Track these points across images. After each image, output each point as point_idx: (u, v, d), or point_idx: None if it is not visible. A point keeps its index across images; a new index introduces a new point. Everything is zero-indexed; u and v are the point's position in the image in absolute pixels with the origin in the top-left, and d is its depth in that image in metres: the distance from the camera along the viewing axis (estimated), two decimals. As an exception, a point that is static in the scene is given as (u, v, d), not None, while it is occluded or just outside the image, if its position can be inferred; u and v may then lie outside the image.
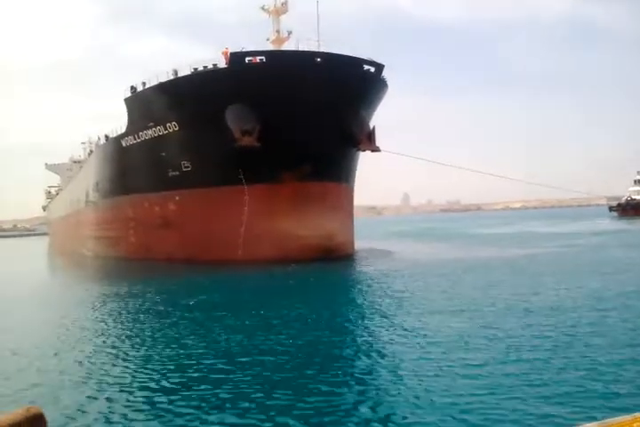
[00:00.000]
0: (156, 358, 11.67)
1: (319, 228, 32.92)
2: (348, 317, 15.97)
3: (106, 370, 10.89)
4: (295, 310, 16.82)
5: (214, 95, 31.18)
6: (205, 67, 32.81)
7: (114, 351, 12.48)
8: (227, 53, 31.81)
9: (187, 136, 33.86)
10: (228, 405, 8.63)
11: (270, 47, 36.74)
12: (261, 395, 8.95)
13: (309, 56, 31.74)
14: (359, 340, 12.83)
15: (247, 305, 18.30)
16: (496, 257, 31.25)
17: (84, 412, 8.54)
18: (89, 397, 9.26)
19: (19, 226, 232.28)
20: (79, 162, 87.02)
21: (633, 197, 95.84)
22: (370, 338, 12.88)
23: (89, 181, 51.83)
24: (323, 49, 32.67)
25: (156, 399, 9.03)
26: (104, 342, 13.61)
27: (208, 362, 11.10)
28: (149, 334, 14.32)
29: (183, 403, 8.77)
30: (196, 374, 10.34)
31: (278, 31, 37.78)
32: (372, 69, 33.90)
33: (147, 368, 10.91)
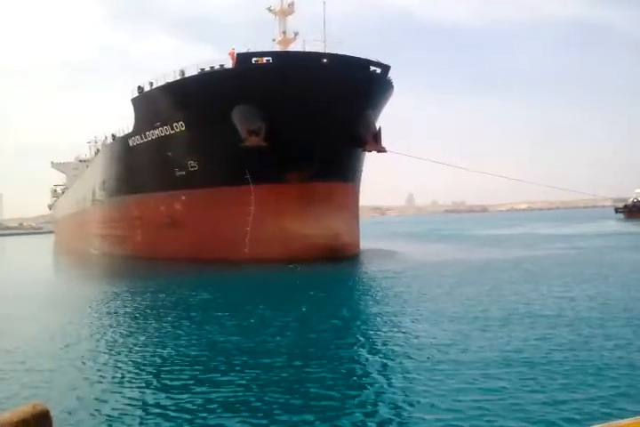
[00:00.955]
0: (163, 356, 11.79)
1: (325, 228, 33.03)
2: (352, 318, 15.99)
3: (112, 368, 11.04)
4: (300, 310, 16.91)
5: (221, 95, 31.34)
6: (212, 67, 32.95)
7: (121, 349, 12.62)
8: (233, 54, 31.97)
9: (193, 136, 34.04)
10: (234, 405, 8.72)
11: (277, 48, 36.90)
12: (262, 394, 9.04)
13: (316, 57, 31.85)
14: (363, 341, 12.80)
15: (252, 304, 18.40)
16: (503, 259, 31.27)
17: (89, 409, 8.66)
18: (94, 394, 9.37)
19: (24, 224, 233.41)
20: (85, 161, 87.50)
21: (639, 198, 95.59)
22: (374, 340, 12.88)
23: (96, 179, 52.10)
24: (329, 50, 32.86)
25: (162, 398, 9.12)
26: (111, 340, 13.76)
27: (210, 361, 11.21)
28: (155, 332, 14.45)
29: (189, 402, 8.87)
30: (199, 373, 10.45)
31: (285, 32, 37.91)
32: (379, 70, 33.99)
33: (153, 366, 11.03)
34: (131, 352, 12.30)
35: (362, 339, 13.00)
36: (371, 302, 18.65)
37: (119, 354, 12.19)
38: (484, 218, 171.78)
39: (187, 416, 8.25)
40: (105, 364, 11.39)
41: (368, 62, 33.47)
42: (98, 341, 13.77)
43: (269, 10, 38.11)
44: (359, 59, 33.02)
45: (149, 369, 10.85)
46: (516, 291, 18.94)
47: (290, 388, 9.36)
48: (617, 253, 32.94)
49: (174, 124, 34.67)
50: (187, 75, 33.70)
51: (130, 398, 9.19)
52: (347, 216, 36.14)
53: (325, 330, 13.90)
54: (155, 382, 9.99)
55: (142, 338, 13.80)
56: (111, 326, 15.64)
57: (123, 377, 10.39)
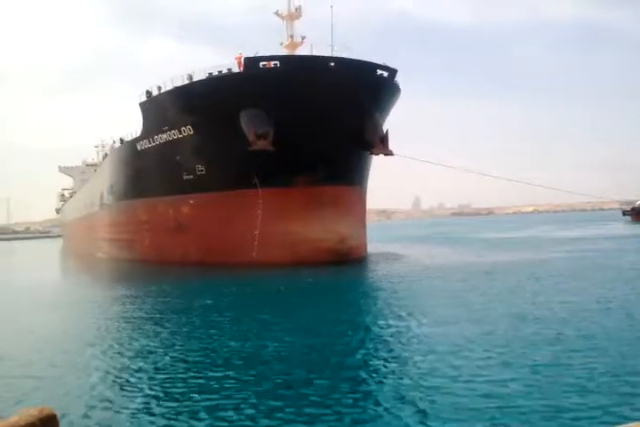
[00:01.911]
0: (169, 361, 11.82)
1: (332, 231, 33.11)
2: (357, 323, 15.87)
3: (119, 372, 11.11)
4: (306, 314, 16.99)
5: (229, 99, 31.49)
6: (220, 71, 33.14)
7: (127, 354, 12.69)
8: (240, 59, 32.12)
9: (201, 140, 34.20)
10: (241, 409, 8.73)
11: (284, 52, 37.08)
12: (265, 399, 9.09)
13: (323, 61, 31.96)
14: (367, 346, 12.79)
15: (259, 308, 18.50)
16: (511, 262, 31.20)
17: (95, 413, 8.72)
18: (101, 398, 9.44)
19: (31, 228, 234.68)
20: (93, 165, 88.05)
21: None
22: (379, 345, 12.88)
23: (104, 183, 52.39)
24: (336, 54, 32.98)
25: (169, 402, 9.17)
26: (118, 344, 13.83)
27: (216, 366, 11.23)
28: (161, 337, 14.49)
29: (195, 406, 8.91)
30: (205, 376, 10.50)
31: (292, 36, 38.09)
32: (386, 74, 34.06)
33: (159, 371, 11.08)
34: (137, 357, 12.35)
35: (366, 344, 12.97)
36: (376, 307, 18.68)
37: (126, 358, 12.26)
38: (491, 221, 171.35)
39: (192, 421, 8.29)
40: (112, 368, 11.45)
41: (375, 66, 33.56)
42: (105, 345, 13.82)
43: (277, 14, 38.29)
44: (366, 62, 33.13)
45: (156, 374, 10.89)
46: (526, 294, 18.88)
47: (293, 392, 9.35)
48: (627, 256, 32.78)
49: (182, 129, 34.86)
50: (195, 79, 33.90)
51: (136, 401, 9.25)
52: (354, 220, 36.18)
53: (331, 334, 13.87)
54: (161, 387, 10.02)
55: (149, 343, 13.85)
56: (118, 329, 15.73)
57: (129, 381, 10.44)
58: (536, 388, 8.98)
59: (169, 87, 35.16)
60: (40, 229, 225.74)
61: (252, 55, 31.78)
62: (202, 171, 35.03)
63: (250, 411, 8.57)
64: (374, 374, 10.30)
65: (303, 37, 38.03)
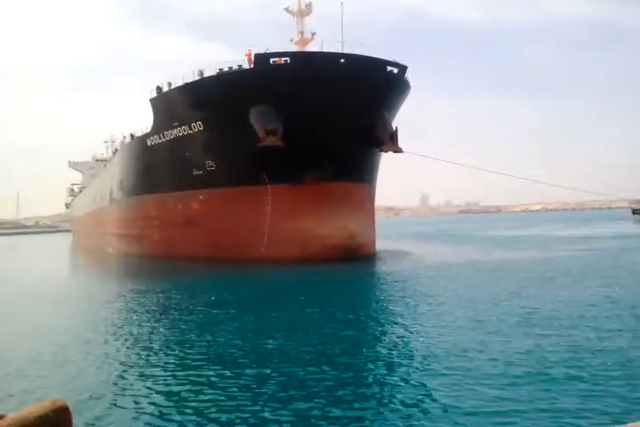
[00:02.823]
0: (178, 355, 11.93)
1: (341, 228, 33.15)
2: (364, 320, 15.87)
3: (130, 365, 11.24)
4: (316, 310, 17.02)
5: (239, 95, 31.54)
6: (230, 67, 33.22)
7: (138, 347, 12.87)
8: (250, 55, 32.16)
9: (211, 136, 34.31)
10: (257, 404, 8.85)
11: (294, 48, 37.06)
12: (273, 394, 9.19)
13: (333, 57, 31.94)
14: (374, 344, 12.83)
15: (268, 304, 18.61)
16: (520, 260, 31.13)
17: (107, 405, 8.84)
18: (112, 390, 9.57)
19: (40, 223, 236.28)
20: (102, 160, 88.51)
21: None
22: (385, 343, 12.91)
23: (113, 179, 52.68)
24: (346, 50, 32.95)
25: (179, 395, 9.28)
26: (129, 337, 13.99)
27: (227, 361, 11.34)
28: (170, 332, 14.61)
29: (207, 400, 9.02)
30: (214, 372, 10.57)
31: (302, 32, 38.06)
32: (396, 71, 34.00)
33: (169, 364, 11.19)
34: (148, 350, 12.47)
35: (371, 342, 13.01)
36: (384, 304, 18.66)
37: (137, 352, 12.41)
38: (499, 219, 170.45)
39: (204, 413, 8.40)
40: (123, 361, 11.61)
41: (385, 63, 33.50)
42: (115, 338, 13.98)
43: (287, 10, 38.28)
44: (376, 59, 33.06)
45: (167, 367, 10.99)
46: (535, 294, 18.81)
47: (294, 391, 9.35)
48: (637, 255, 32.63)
49: (192, 124, 34.97)
50: (205, 75, 34.00)
51: (147, 394, 9.35)
52: (363, 216, 36.20)
53: (337, 333, 13.84)
54: (172, 380, 10.12)
55: (159, 337, 13.98)
56: (130, 323, 15.87)
57: (140, 374, 10.59)
58: (536, 388, 8.98)
59: (179, 83, 35.29)
60: (49, 223, 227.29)
61: (261, 51, 31.82)
62: (211, 167, 35.15)
63: (261, 406, 8.67)
64: (379, 374, 10.31)
65: (313, 34, 38.02)
